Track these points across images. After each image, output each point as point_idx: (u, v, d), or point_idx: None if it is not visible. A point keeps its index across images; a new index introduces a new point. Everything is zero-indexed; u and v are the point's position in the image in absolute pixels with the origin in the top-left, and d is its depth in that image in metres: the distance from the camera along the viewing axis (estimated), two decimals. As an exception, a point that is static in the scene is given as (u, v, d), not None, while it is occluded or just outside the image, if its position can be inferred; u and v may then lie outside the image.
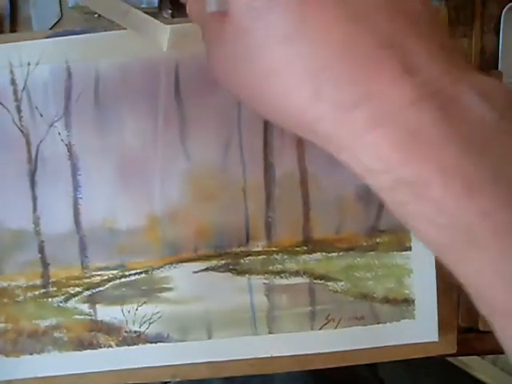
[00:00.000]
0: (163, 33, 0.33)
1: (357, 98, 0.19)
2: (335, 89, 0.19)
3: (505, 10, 0.40)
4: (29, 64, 0.35)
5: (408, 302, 0.36)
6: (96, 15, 0.38)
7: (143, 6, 0.36)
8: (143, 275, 0.36)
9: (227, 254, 0.36)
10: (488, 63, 0.40)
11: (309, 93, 0.19)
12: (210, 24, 0.23)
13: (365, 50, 0.19)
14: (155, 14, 0.38)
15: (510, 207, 0.17)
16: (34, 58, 0.35)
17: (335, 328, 0.36)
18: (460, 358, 0.37)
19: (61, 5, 0.38)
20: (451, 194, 0.17)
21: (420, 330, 0.36)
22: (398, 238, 0.36)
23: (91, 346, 0.36)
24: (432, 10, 0.21)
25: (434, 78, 0.18)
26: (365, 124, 0.19)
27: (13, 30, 0.38)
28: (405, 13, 0.19)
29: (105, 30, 0.35)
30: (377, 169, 0.19)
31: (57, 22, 0.38)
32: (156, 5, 0.36)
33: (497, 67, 0.40)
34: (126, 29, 0.34)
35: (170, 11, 0.37)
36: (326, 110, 0.19)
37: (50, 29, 0.37)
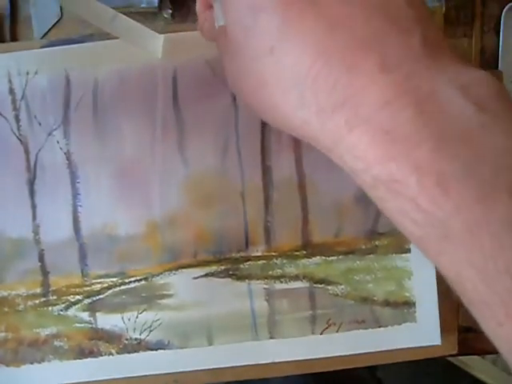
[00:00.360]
0: (156, 41, 0.33)
1: (336, 103, 0.19)
2: (316, 95, 0.20)
3: (505, 9, 0.40)
4: (27, 73, 0.35)
5: (409, 304, 0.36)
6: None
7: (143, 5, 0.36)
8: (143, 282, 0.36)
9: (227, 260, 0.36)
10: (488, 63, 0.40)
11: (294, 100, 0.20)
12: (219, 38, 0.25)
13: (342, 55, 0.19)
14: (155, 13, 0.38)
15: (481, 203, 0.17)
16: (32, 67, 0.35)
17: (336, 332, 0.36)
18: (460, 357, 0.37)
19: (61, 5, 0.38)
20: (425, 192, 0.18)
21: (422, 333, 0.36)
22: (397, 241, 0.36)
23: (92, 354, 0.36)
24: (418, 2, 0.21)
25: (412, 74, 0.19)
26: (344, 126, 0.19)
27: (13, 29, 0.38)
28: (383, 12, 0.20)
29: (102, 37, 0.35)
30: (358, 168, 0.20)
31: (57, 21, 0.38)
32: (156, 4, 0.37)
33: (497, 67, 0.40)
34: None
35: (170, 11, 0.37)
36: (309, 115, 0.20)
37: (50, 29, 0.38)
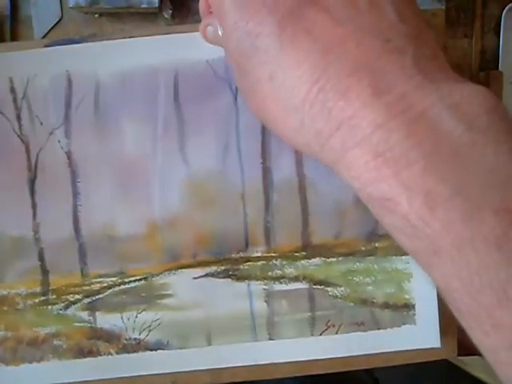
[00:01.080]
0: None
1: (332, 127, 0.20)
2: (313, 120, 0.20)
3: (505, 10, 0.40)
4: (29, 73, 0.35)
5: (408, 306, 0.36)
6: (96, 15, 0.38)
7: (143, 6, 0.36)
8: (143, 282, 0.36)
9: (226, 260, 0.36)
10: (488, 63, 0.41)
11: (294, 124, 0.21)
12: (224, 46, 0.25)
13: (336, 80, 0.20)
14: (155, 14, 0.38)
15: (467, 222, 0.18)
16: (34, 66, 0.35)
17: (335, 334, 0.36)
18: (460, 357, 0.37)
19: (61, 5, 0.38)
20: (414, 210, 0.19)
21: (421, 335, 0.36)
22: (397, 243, 0.36)
23: (91, 353, 0.36)
24: (412, 17, 0.21)
25: (403, 95, 0.19)
26: (340, 149, 0.20)
27: (13, 29, 0.38)
28: (376, 31, 0.20)
29: (103, 38, 0.35)
30: (354, 186, 0.20)
31: (57, 22, 0.38)
32: (156, 5, 0.37)
33: (497, 67, 0.40)
34: (125, 37, 0.35)
35: (170, 11, 0.38)
36: (309, 138, 0.21)
37: (51, 29, 0.38)
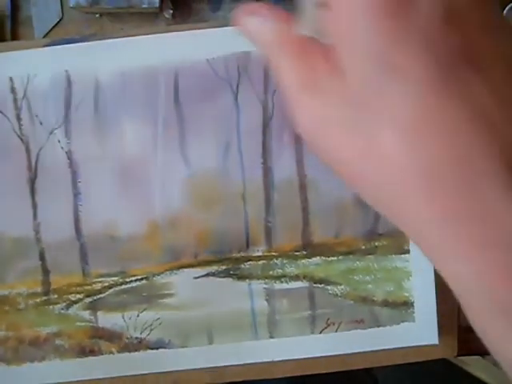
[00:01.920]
0: None
1: (462, 214, 0.16)
2: (446, 195, 0.16)
3: (505, 10, 0.40)
4: (29, 72, 0.35)
5: (407, 304, 0.37)
6: (97, 15, 0.38)
7: (144, 6, 0.36)
8: (144, 281, 0.36)
9: (227, 260, 0.36)
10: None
11: (424, 196, 0.17)
12: (298, 58, 0.19)
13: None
14: (156, 14, 0.38)
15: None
16: (34, 66, 0.35)
17: (335, 332, 0.37)
18: (460, 357, 0.37)
19: (62, 5, 0.38)
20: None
21: (420, 332, 0.36)
22: (397, 241, 0.36)
23: (92, 353, 0.36)
24: None
25: None
26: (468, 242, 0.16)
27: (14, 29, 0.38)
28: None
29: (104, 37, 0.35)
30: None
31: (58, 22, 0.38)
32: (157, 5, 0.36)
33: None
34: (125, 36, 0.35)
35: (171, 11, 0.37)
36: (438, 215, 0.17)
37: (52, 29, 0.38)
